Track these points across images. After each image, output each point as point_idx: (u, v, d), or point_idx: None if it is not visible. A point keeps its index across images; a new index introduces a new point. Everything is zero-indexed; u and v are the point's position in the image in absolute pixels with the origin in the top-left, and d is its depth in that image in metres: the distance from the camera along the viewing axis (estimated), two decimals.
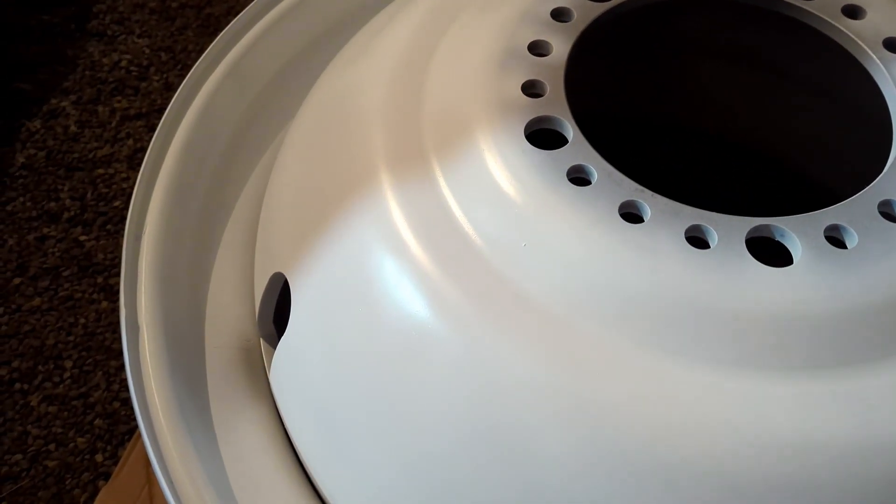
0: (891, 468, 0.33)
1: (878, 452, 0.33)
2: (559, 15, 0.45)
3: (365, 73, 0.47)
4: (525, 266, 0.36)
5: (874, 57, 0.42)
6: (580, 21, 0.44)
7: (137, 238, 0.45)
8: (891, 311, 0.33)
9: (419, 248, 0.38)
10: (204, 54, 0.54)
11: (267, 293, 0.45)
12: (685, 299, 0.34)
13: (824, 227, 0.36)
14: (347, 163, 0.43)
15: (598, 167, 0.38)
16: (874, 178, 0.38)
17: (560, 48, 0.43)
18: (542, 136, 0.40)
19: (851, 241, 0.35)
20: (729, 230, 0.35)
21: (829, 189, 0.42)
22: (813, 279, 0.34)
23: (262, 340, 0.48)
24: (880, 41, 0.43)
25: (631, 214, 0.37)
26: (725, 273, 0.34)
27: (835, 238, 0.36)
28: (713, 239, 0.35)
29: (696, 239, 0.36)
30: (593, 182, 0.38)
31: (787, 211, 0.37)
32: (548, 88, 0.41)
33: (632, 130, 0.56)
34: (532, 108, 0.40)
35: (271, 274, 0.44)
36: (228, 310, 0.47)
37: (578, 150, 0.39)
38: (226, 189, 0.51)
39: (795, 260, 0.35)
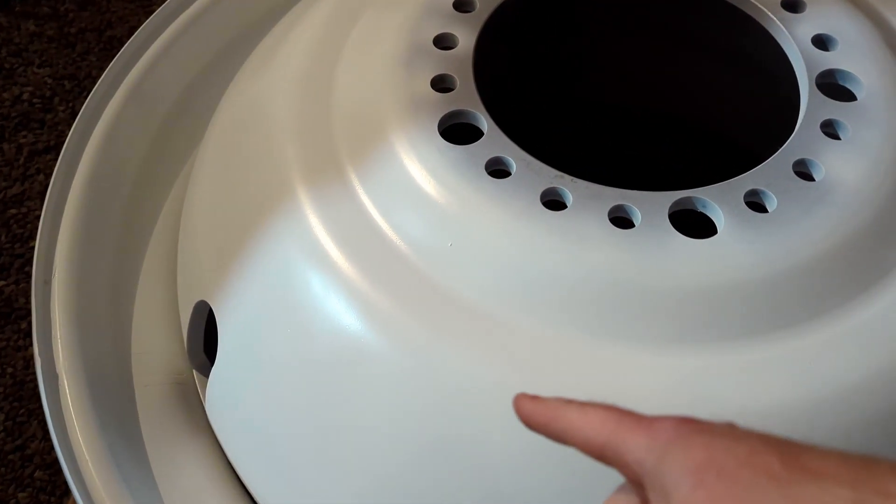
0: (835, 421, 0.33)
1: (822, 408, 0.33)
2: (461, 5, 0.44)
3: (270, 83, 0.45)
4: (453, 267, 0.36)
5: (774, 18, 0.43)
6: (483, 10, 0.43)
7: (47, 282, 0.42)
8: (814, 271, 0.34)
9: (344, 260, 0.37)
10: (101, 78, 0.51)
11: (193, 323, 0.43)
12: (616, 282, 0.34)
13: (744, 193, 0.36)
14: (261, 179, 0.42)
15: (515, 157, 0.37)
16: (788, 137, 0.38)
17: (466, 39, 0.42)
18: (458, 130, 0.40)
19: (771, 204, 0.36)
20: (652, 207, 0.35)
21: (750, 151, 0.42)
22: (737, 247, 0.34)
23: (195, 372, 0.46)
24: (779, 2, 0.43)
25: (553, 202, 0.36)
26: (652, 251, 0.34)
27: (755, 203, 0.36)
28: (637, 217, 0.35)
29: (621, 219, 0.35)
30: (513, 173, 0.37)
31: (712, 178, 0.37)
32: (457, 82, 0.40)
33: (548, 113, 0.55)
34: (444, 104, 0.39)
35: (195, 303, 0.42)
36: (156, 345, 0.45)
37: (494, 141, 0.38)
38: (139, 219, 0.49)
39: (719, 229, 0.35)
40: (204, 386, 0.45)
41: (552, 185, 0.36)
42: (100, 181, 0.48)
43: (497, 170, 0.37)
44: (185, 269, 0.44)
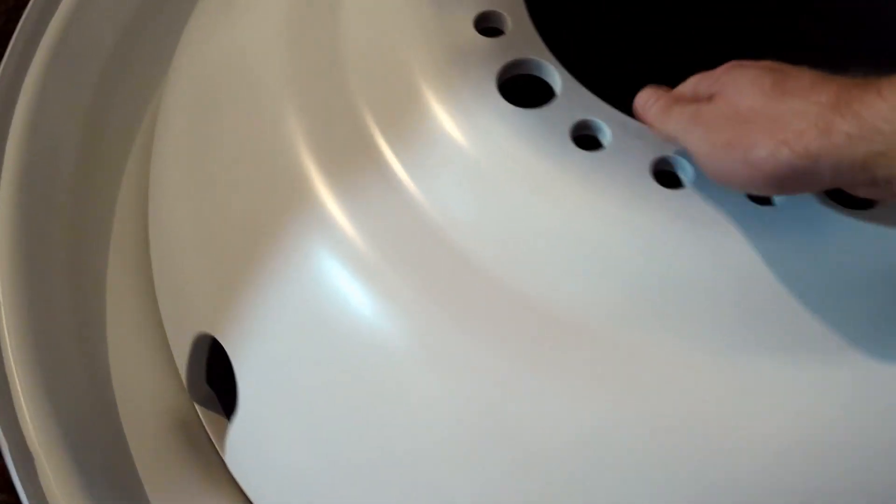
0: None
1: None
2: None
3: (249, 29, 0.35)
4: (543, 273, 0.28)
5: None
6: None
7: None
8: None
9: (396, 275, 0.29)
10: (16, 33, 0.39)
11: (193, 357, 0.34)
12: (765, 278, 0.26)
13: None
14: (260, 165, 0.32)
15: (608, 119, 0.29)
16: None
17: None
18: (511, 86, 0.31)
19: None
20: None
21: None
22: None
23: (198, 406, 0.37)
24: None
25: (666, 174, 0.28)
26: (803, 234, 0.27)
27: None
28: None
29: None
30: (607, 141, 0.29)
31: None
32: (508, 21, 0.31)
33: (625, 57, 0.44)
34: (498, 52, 0.30)
35: (194, 336, 0.33)
36: (142, 382, 0.36)
37: (575, 100, 0.29)
38: (90, 222, 0.38)
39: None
40: (212, 421, 0.37)
41: (662, 154, 0.28)
42: (33, 176, 0.37)
43: (584, 136, 0.29)
44: (173, 296, 0.35)
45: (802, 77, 0.23)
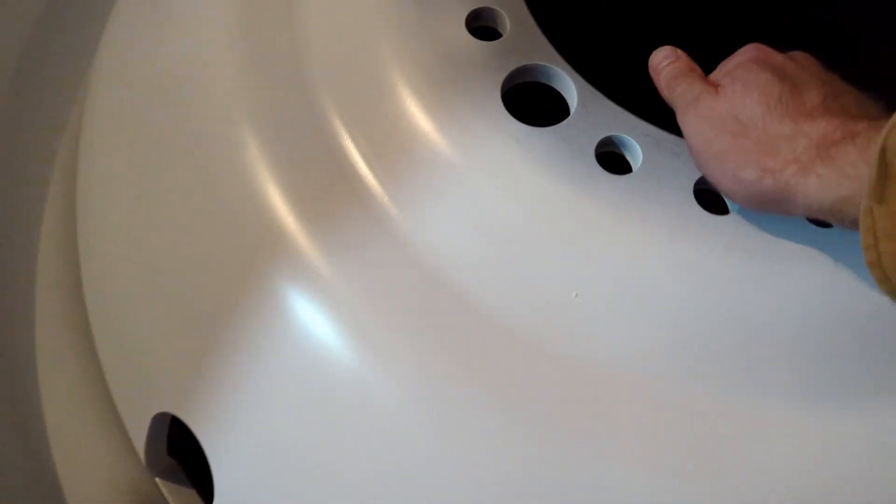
0: None
1: None
2: None
3: (192, 37, 0.29)
4: (578, 326, 0.23)
5: None
6: None
7: None
8: None
9: (392, 332, 0.24)
10: None
11: (152, 433, 0.29)
12: (836, 318, 0.23)
13: None
14: (221, 206, 0.26)
15: (634, 132, 0.25)
16: None
17: None
18: (512, 97, 0.26)
19: None
20: None
21: None
22: None
23: (158, 481, 0.32)
24: None
25: (707, 194, 0.24)
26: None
27: None
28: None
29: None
30: (638, 161, 0.24)
31: None
32: (506, 19, 0.26)
33: (634, 57, 0.39)
34: (499, 58, 0.25)
35: (152, 416, 0.27)
36: (91, 463, 0.30)
37: (596, 113, 0.25)
38: (10, 269, 0.32)
39: None
40: (177, 495, 0.32)
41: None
42: None
43: (607, 153, 0.25)
44: (124, 369, 0.29)
45: (809, 96, 0.23)
